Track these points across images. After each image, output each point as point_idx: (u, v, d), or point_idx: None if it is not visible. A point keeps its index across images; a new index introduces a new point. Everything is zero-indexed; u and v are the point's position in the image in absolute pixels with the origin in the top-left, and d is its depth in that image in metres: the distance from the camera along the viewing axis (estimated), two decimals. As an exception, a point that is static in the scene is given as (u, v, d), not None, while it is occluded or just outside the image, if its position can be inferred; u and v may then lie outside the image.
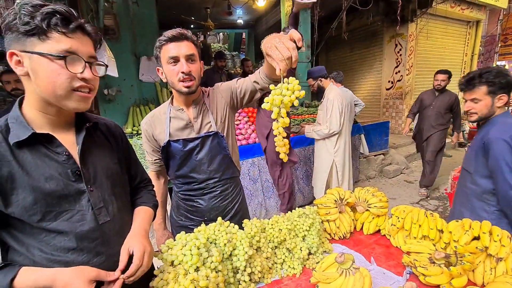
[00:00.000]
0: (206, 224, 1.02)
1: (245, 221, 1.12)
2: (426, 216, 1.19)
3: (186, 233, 0.96)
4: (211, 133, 1.27)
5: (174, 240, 0.96)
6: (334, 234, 1.29)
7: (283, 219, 1.19)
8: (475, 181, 1.49)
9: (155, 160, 1.37)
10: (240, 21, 6.79)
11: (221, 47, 8.12)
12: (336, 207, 1.31)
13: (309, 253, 1.15)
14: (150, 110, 1.97)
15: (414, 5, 5.60)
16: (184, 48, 1.11)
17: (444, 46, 6.76)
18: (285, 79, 0.79)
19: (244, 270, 0.95)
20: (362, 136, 4.36)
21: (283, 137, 0.87)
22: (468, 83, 1.47)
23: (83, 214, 0.76)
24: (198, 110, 1.27)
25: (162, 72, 1.18)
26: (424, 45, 6.20)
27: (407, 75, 5.98)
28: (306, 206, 1.27)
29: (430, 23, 5.99)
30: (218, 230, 0.99)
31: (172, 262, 0.86)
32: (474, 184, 1.51)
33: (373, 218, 1.36)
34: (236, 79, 1.32)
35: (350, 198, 1.37)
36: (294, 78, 0.80)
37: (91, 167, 0.80)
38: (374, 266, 1.10)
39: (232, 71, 6.06)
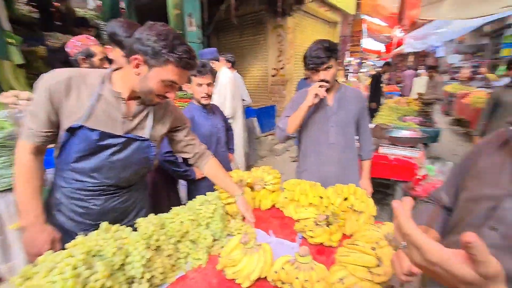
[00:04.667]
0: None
1: (139, 220, 0.97)
2: (311, 186, 1.38)
3: (67, 239, 0.76)
4: (140, 138, 1.03)
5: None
6: (235, 215, 1.32)
7: (184, 209, 1.11)
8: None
9: (46, 132, 0.94)
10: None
11: (92, 16, 6.47)
12: (237, 189, 1.34)
13: (214, 240, 1.13)
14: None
15: (292, -1, 6.25)
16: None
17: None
18: None
19: (142, 278, 0.82)
20: (255, 119, 4.67)
21: None
22: None
23: None
24: (141, 109, 1.03)
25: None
26: (299, 38, 7.10)
27: (287, 64, 6.72)
28: (207, 193, 1.23)
29: (304, 19, 6.90)
30: (103, 239, 0.81)
31: (35, 295, 0.64)
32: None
33: (269, 194, 1.47)
34: (189, 127, 1.28)
35: (249, 179, 1.42)
36: None
37: None
38: (272, 238, 1.19)
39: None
